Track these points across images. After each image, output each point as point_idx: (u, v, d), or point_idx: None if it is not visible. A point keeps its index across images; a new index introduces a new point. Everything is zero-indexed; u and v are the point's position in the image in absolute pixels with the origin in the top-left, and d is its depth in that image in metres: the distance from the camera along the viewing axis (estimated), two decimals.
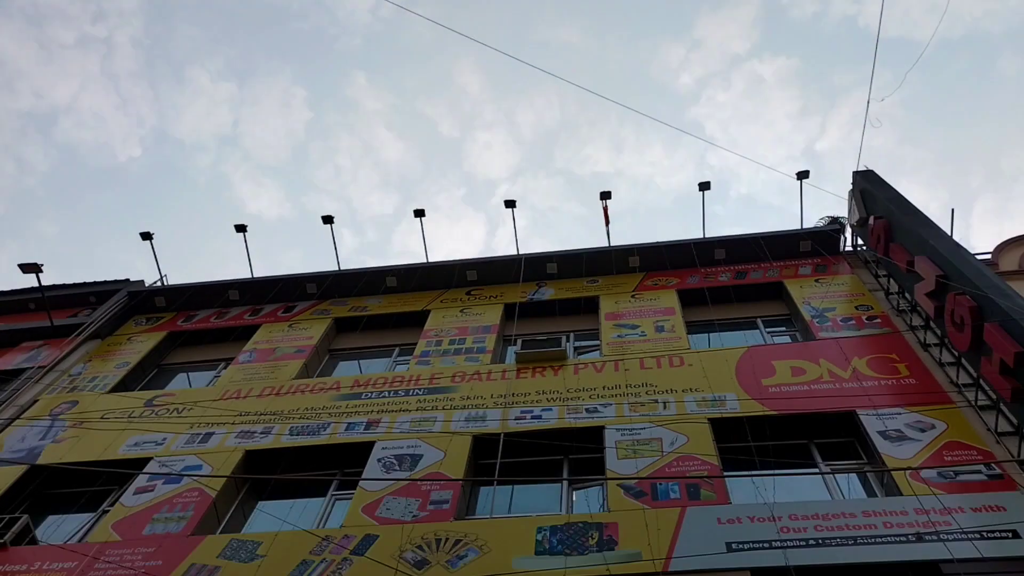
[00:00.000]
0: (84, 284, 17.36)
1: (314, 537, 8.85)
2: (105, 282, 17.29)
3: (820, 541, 7.73)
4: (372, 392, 12.12)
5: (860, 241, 14.47)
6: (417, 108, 49.72)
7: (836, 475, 9.37)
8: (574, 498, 9.63)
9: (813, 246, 14.68)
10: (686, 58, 49.43)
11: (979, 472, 8.49)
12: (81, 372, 14.26)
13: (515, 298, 14.79)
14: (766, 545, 7.77)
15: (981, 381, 9.45)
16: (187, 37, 45.49)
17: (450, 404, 11.42)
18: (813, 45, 47.81)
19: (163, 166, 49.80)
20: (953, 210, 19.15)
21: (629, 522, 8.36)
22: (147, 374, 14.65)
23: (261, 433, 11.33)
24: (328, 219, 16.44)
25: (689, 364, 11.54)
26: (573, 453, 10.35)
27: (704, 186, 15.40)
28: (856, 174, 14.07)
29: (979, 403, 9.47)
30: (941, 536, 7.51)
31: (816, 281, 13.73)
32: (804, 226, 15.25)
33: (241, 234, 16.49)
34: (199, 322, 15.89)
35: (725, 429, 10.03)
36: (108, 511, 10.28)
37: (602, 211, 15.73)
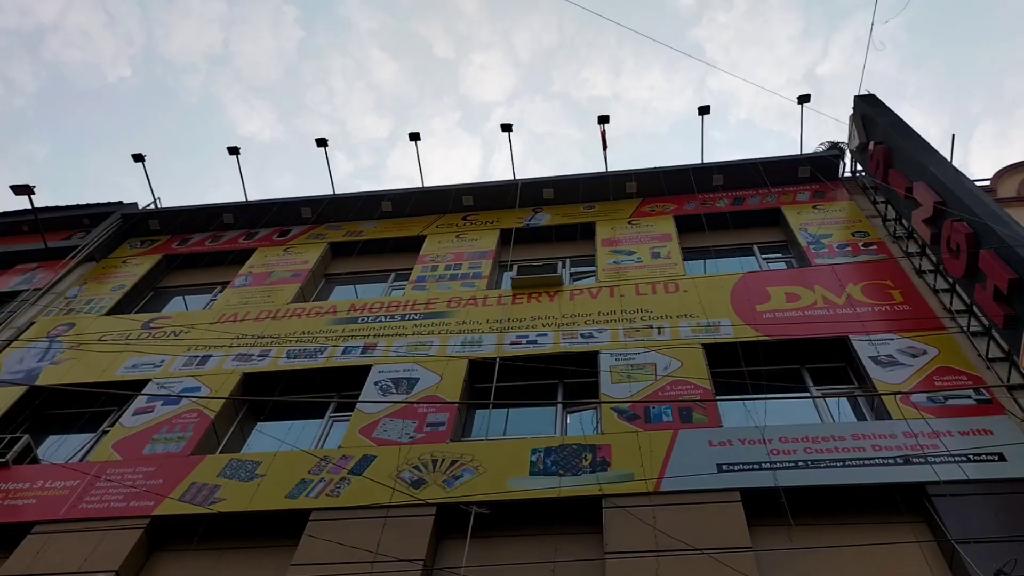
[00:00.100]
0: (77, 206, 17.21)
1: (312, 457, 9.00)
2: (98, 204, 17.13)
3: (809, 463, 7.88)
4: (368, 316, 12.16)
5: (859, 167, 14.36)
6: (411, 28, 48.64)
7: (827, 399, 9.50)
8: (568, 421, 9.77)
9: (812, 172, 14.57)
10: None
11: (968, 397, 8.61)
12: (77, 295, 14.27)
13: (511, 224, 14.73)
14: (756, 467, 7.93)
15: (974, 307, 9.51)
16: None
17: (446, 329, 11.48)
18: None
19: (153, 87, 48.93)
20: (954, 136, 18.99)
21: (622, 444, 8.50)
22: (143, 297, 14.67)
23: (258, 356, 11.41)
24: (322, 142, 16.23)
25: (684, 290, 11.57)
26: (568, 377, 10.46)
27: (704, 110, 15.19)
28: (858, 98, 13.87)
29: (971, 329, 9.55)
30: (928, 459, 7.67)
31: (814, 207, 13.67)
32: (804, 152, 15.11)
33: (234, 156, 16.31)
34: (194, 245, 15.84)
35: (719, 354, 10.12)
36: (108, 431, 10.42)
37: (600, 136, 15.56)
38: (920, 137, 11.78)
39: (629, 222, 14.21)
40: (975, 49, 47.93)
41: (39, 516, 8.74)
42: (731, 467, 7.97)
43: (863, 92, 13.98)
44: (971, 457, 7.65)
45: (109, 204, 17.07)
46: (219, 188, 59.99)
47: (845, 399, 9.59)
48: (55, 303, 13.97)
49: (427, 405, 9.73)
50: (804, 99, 14.98)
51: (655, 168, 15.06)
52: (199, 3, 46.17)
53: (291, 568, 7.62)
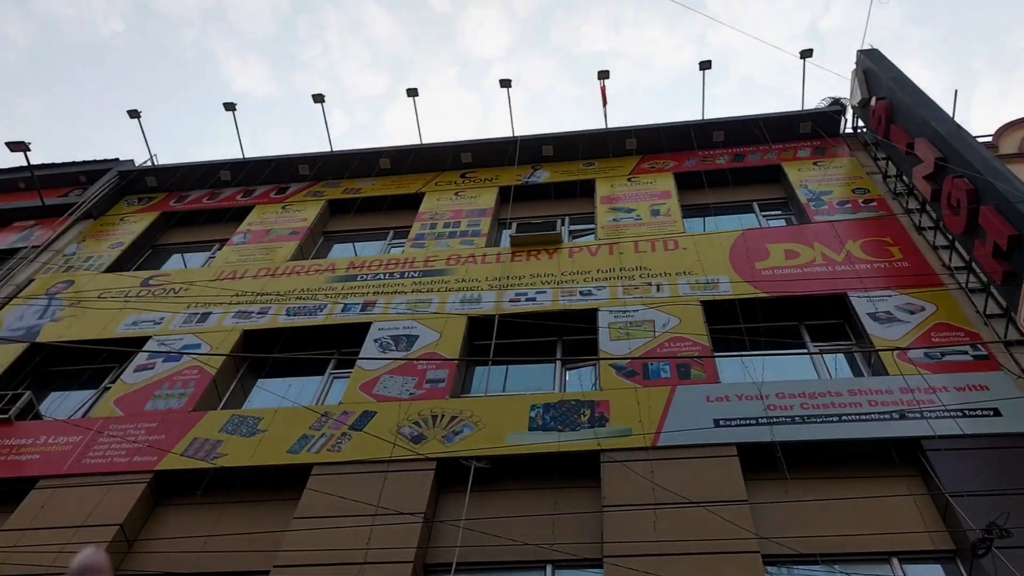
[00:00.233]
0: (74, 163, 17.10)
1: (313, 413, 9.07)
2: (95, 161, 17.03)
3: (805, 418, 7.96)
4: (367, 274, 12.16)
5: (861, 123, 14.25)
6: None
7: (824, 355, 9.56)
8: (567, 377, 9.83)
9: (813, 128, 14.47)
10: None
11: (965, 353, 8.65)
12: (75, 252, 14.25)
13: (510, 181, 14.66)
14: (753, 422, 8.00)
15: (973, 264, 9.51)
16: None
17: (445, 287, 11.49)
18: None
19: (147, 41, 48.34)
20: (956, 91, 18.70)
21: (620, 400, 8.56)
22: (141, 254, 14.65)
23: (258, 313, 11.44)
24: (319, 98, 16.07)
25: (683, 248, 11.56)
26: (567, 334, 10.49)
27: (705, 65, 15.03)
28: (861, 52, 13.72)
29: (969, 286, 9.56)
30: (924, 414, 7.74)
31: (815, 164, 13.60)
32: (805, 107, 14.98)
33: (230, 113, 16.16)
34: (191, 202, 15.77)
35: (717, 311, 10.15)
36: (109, 388, 10.49)
37: (599, 91, 15.41)
38: (922, 93, 11.68)
39: (629, 179, 14.14)
40: (979, 4, 47.31)
41: (43, 471, 8.84)
42: (728, 422, 8.04)
43: (866, 47, 13.84)
44: (966, 412, 7.72)
45: (106, 161, 16.97)
46: (215, 146, 59.58)
47: (842, 355, 9.65)
48: (54, 260, 13.97)
49: (427, 362, 9.78)
50: (806, 54, 14.81)
51: (655, 124, 14.96)
52: None
53: (293, 521, 7.73)
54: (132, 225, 15.08)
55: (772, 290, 10.30)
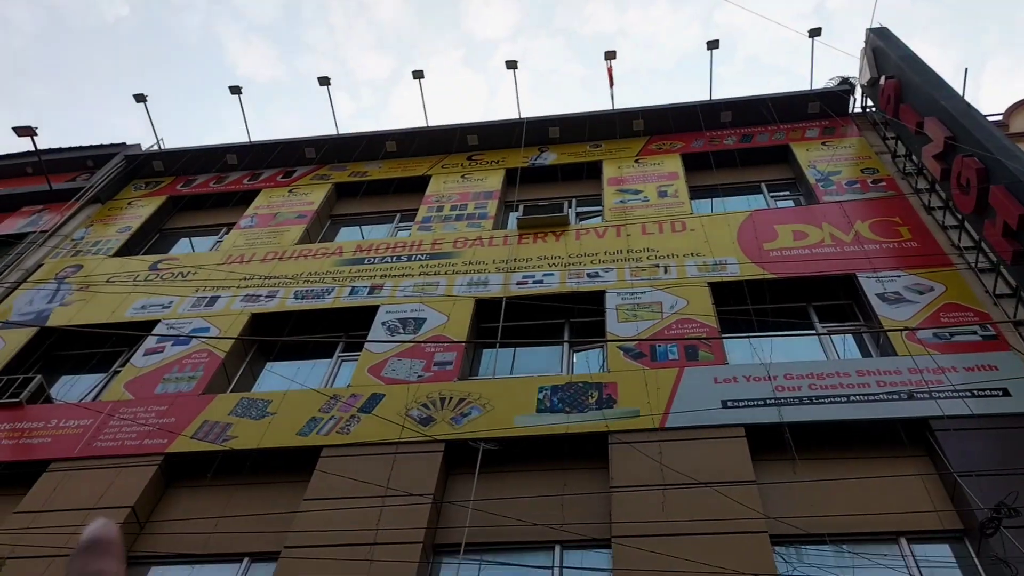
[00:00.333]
0: (81, 148, 17.11)
1: (322, 396, 9.11)
2: (102, 145, 17.04)
3: (813, 399, 7.95)
4: (375, 257, 12.16)
5: (870, 102, 14.15)
6: None
7: (832, 336, 9.53)
8: (575, 359, 9.84)
9: (822, 107, 14.36)
10: None
11: (974, 333, 8.63)
12: (83, 236, 14.29)
13: (517, 163, 14.60)
14: (761, 403, 8.00)
15: (983, 243, 9.46)
16: None
17: (452, 269, 11.49)
18: None
19: (152, 25, 48.21)
20: (966, 70, 18.65)
21: (628, 382, 8.57)
22: (149, 239, 14.68)
23: (266, 297, 11.47)
24: (324, 80, 16.02)
25: (691, 229, 11.52)
26: (574, 317, 10.49)
27: (712, 44, 14.92)
28: (870, 31, 13.60)
29: (979, 266, 9.52)
30: (933, 394, 7.72)
31: (823, 144, 13.51)
32: (813, 87, 14.87)
33: (236, 96, 16.16)
34: (199, 186, 15.78)
35: (725, 292, 10.13)
36: (119, 371, 10.54)
37: (606, 72, 15.33)
38: (932, 71, 11.58)
39: (636, 161, 14.08)
40: None
41: (54, 454, 8.91)
42: (736, 403, 8.04)
43: (875, 25, 13.71)
44: (975, 392, 7.70)
45: (113, 145, 16.97)
46: (221, 130, 59.59)
47: (851, 336, 9.63)
48: (62, 245, 14.01)
49: (435, 344, 9.80)
50: (815, 32, 14.69)
51: (662, 105, 14.88)
52: None
53: (303, 502, 7.78)
54: (140, 209, 15.10)
55: (780, 271, 10.26)
